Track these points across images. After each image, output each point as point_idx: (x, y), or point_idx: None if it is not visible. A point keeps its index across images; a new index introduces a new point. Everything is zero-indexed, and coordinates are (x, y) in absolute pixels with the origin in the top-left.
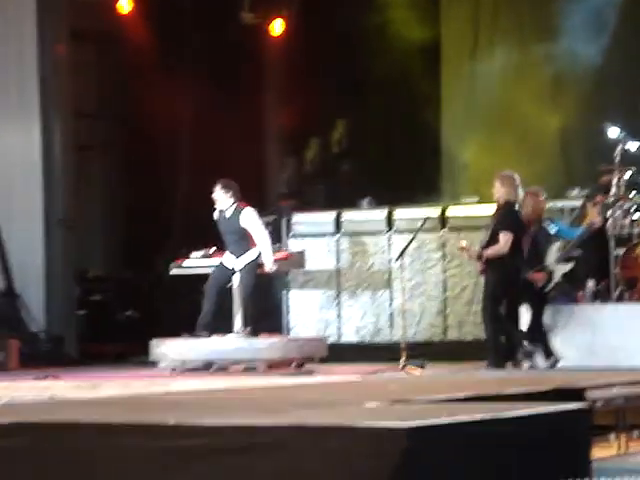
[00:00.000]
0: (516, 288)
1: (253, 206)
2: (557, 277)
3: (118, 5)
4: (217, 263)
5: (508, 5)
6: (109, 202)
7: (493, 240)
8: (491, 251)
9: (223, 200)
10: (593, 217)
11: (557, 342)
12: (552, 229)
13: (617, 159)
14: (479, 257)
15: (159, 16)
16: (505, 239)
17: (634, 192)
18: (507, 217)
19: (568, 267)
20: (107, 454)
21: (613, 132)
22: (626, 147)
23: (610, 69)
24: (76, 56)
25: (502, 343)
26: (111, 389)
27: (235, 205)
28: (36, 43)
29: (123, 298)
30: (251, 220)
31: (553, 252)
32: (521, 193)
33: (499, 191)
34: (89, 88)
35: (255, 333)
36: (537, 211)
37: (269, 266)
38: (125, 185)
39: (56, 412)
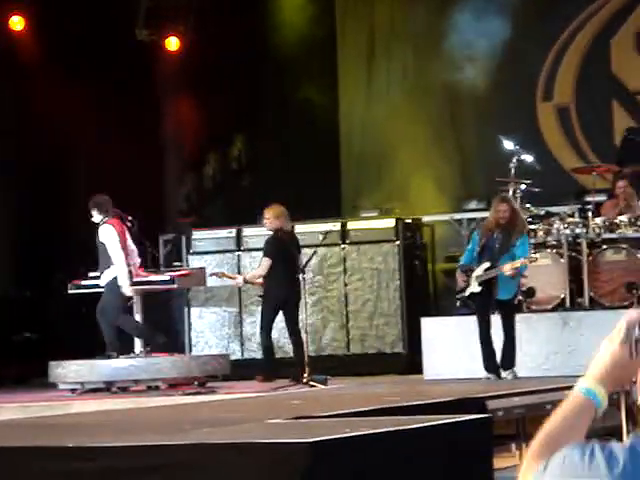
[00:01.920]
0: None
1: (152, 223)
2: (467, 292)
3: (10, 22)
4: None
5: (403, 14)
6: (3, 220)
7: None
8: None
9: (95, 217)
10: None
11: (460, 354)
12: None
13: (512, 171)
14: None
15: (53, 32)
16: (266, 265)
17: (529, 204)
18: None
19: (477, 289)
20: (6, 477)
21: (508, 144)
22: (520, 158)
23: (505, 81)
24: None
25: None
26: (9, 412)
27: (102, 221)
28: None
29: (20, 319)
30: (106, 237)
31: (481, 268)
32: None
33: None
34: None
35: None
36: (494, 217)
37: (123, 289)
38: (19, 202)
39: None
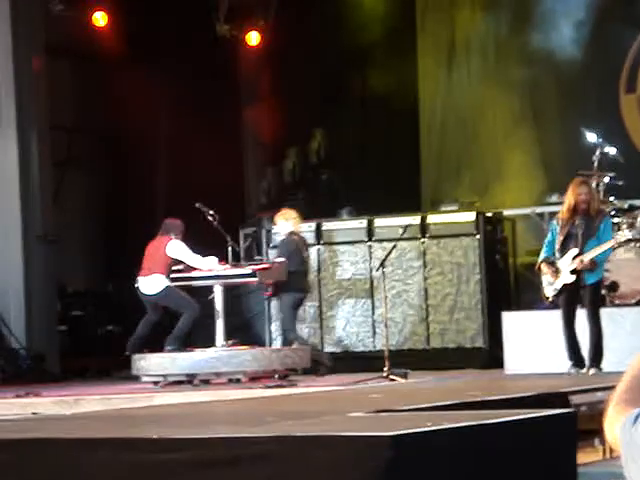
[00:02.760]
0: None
1: (233, 217)
2: (558, 284)
3: (93, 19)
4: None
5: (485, 4)
6: (88, 216)
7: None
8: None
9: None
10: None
11: (542, 348)
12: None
13: (595, 164)
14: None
15: (134, 30)
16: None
17: (613, 197)
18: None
19: (571, 279)
20: (91, 469)
21: (591, 137)
22: (604, 151)
23: (588, 74)
24: (53, 70)
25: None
26: (93, 405)
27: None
28: (11, 57)
29: (104, 313)
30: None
31: (568, 257)
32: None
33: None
34: (66, 102)
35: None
36: (573, 201)
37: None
38: (104, 199)
39: (38, 428)
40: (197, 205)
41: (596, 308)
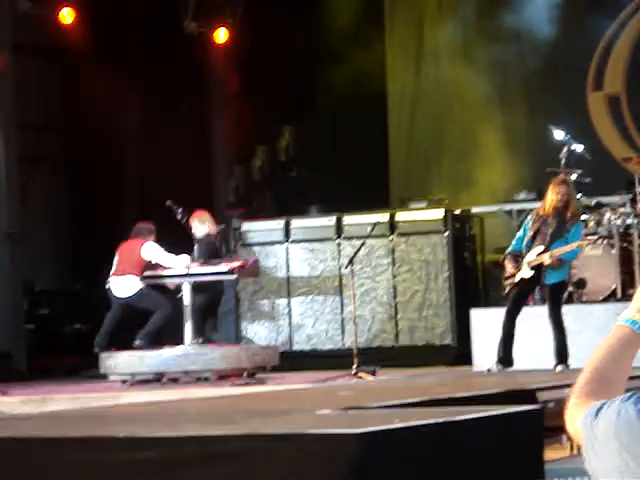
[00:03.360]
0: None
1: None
2: (517, 278)
3: (60, 15)
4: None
5: (451, 9)
6: (56, 214)
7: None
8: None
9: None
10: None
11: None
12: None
13: (563, 161)
14: None
15: (101, 26)
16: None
17: (580, 194)
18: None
19: (529, 274)
20: (58, 469)
21: (558, 134)
22: (571, 149)
23: (555, 72)
24: (20, 68)
25: None
26: (61, 403)
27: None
28: None
29: (72, 311)
30: (153, 251)
31: (533, 253)
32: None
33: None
34: (34, 100)
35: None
36: (551, 199)
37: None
38: (72, 197)
39: (5, 428)
40: (168, 203)
41: (557, 308)
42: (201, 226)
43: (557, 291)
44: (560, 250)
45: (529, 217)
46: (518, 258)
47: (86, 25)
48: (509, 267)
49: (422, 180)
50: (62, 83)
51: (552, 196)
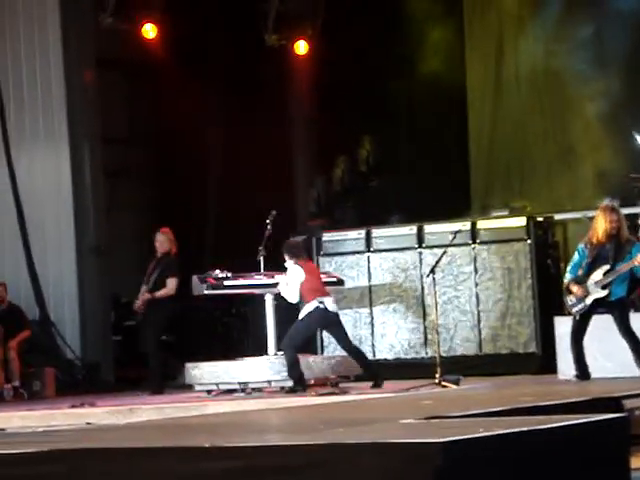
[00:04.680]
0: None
1: (283, 226)
2: (589, 300)
3: (143, 30)
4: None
5: (532, 9)
6: (141, 226)
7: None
8: (162, 293)
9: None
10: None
11: (594, 353)
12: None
13: None
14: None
15: (184, 40)
16: (173, 284)
17: None
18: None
19: (603, 294)
20: (144, 478)
21: None
22: None
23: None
24: (104, 83)
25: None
26: (147, 414)
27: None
28: (63, 70)
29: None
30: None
31: (599, 273)
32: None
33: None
34: (118, 114)
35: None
36: (605, 228)
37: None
38: (156, 208)
39: (92, 438)
40: (273, 213)
41: (626, 321)
42: (167, 243)
43: (623, 305)
44: (633, 262)
45: (582, 244)
46: (582, 283)
47: (168, 40)
48: (577, 291)
49: (504, 188)
50: (146, 97)
51: (604, 224)
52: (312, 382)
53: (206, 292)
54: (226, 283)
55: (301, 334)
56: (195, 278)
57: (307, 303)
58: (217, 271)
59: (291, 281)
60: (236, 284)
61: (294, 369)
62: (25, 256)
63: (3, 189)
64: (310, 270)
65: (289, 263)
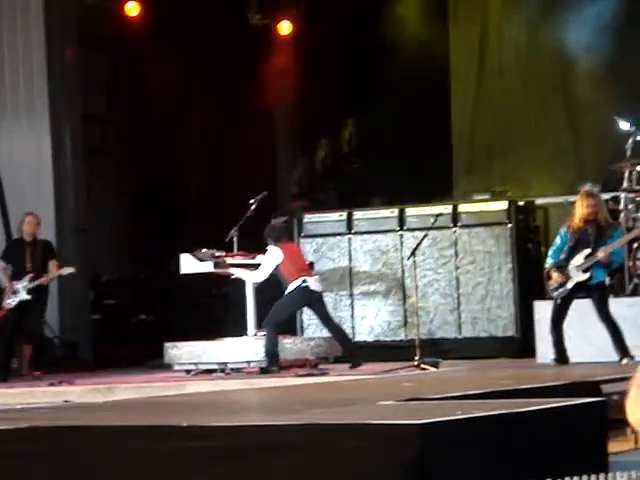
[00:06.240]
0: None
1: (266, 208)
2: (570, 284)
3: (126, 8)
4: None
5: (516, 3)
6: (121, 205)
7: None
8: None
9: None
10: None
11: (573, 337)
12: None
13: (628, 152)
14: None
15: (166, 19)
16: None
17: None
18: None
19: (584, 277)
20: (122, 456)
21: (624, 125)
22: (637, 139)
23: (620, 61)
24: (85, 60)
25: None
26: (125, 393)
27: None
28: (44, 48)
29: (137, 301)
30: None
31: (580, 257)
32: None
33: None
34: (99, 92)
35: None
36: (582, 213)
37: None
38: (136, 188)
39: (70, 416)
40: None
41: (605, 306)
42: (37, 227)
43: (603, 290)
44: (613, 245)
45: (563, 229)
46: (563, 269)
47: (151, 18)
48: (557, 277)
49: (485, 171)
50: (126, 75)
51: (581, 209)
52: (290, 364)
53: (203, 271)
54: (229, 261)
55: (284, 311)
56: (188, 255)
57: (290, 283)
58: (204, 250)
59: (266, 262)
60: (236, 263)
61: (271, 347)
62: (5, 234)
63: None
64: (291, 251)
65: (269, 245)
